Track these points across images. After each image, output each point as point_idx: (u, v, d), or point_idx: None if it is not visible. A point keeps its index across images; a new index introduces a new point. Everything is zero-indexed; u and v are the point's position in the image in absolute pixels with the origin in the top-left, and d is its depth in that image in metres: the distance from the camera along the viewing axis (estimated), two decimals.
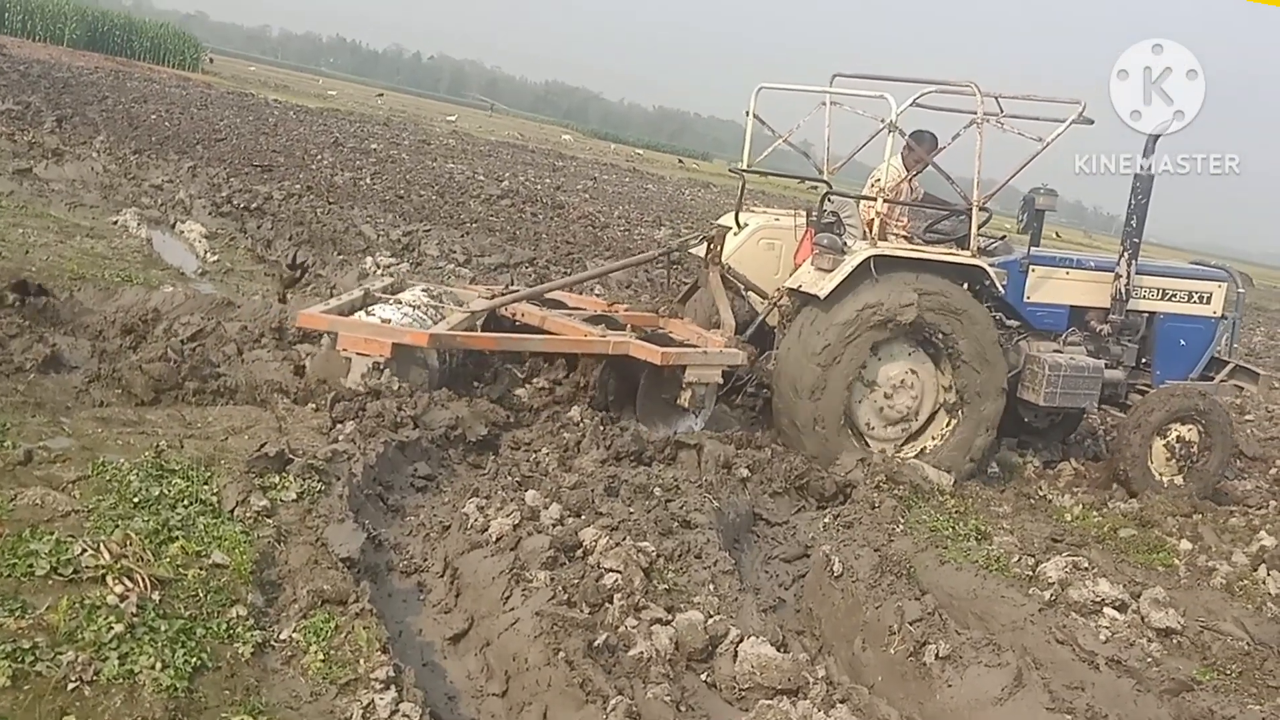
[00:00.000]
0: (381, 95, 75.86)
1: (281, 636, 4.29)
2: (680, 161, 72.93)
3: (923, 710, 5.08)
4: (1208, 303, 9.75)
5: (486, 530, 5.79)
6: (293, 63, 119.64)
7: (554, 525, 5.95)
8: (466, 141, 44.46)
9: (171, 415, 6.60)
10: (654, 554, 5.67)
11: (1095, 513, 8.26)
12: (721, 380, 8.48)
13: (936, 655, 5.21)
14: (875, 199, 8.78)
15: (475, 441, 7.39)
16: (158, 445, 5.68)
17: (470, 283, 11.44)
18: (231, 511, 5.17)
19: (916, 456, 8.68)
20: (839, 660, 5.53)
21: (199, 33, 75.53)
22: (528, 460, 7.14)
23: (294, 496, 5.53)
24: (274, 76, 73.77)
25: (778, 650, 5.01)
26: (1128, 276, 9.38)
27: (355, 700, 3.96)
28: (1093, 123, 8.82)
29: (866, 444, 8.71)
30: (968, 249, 8.78)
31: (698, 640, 5.04)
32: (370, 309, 8.31)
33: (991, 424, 8.75)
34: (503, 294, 9.29)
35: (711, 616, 5.22)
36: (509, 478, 6.73)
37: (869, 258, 8.27)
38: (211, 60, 69.95)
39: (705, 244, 9.25)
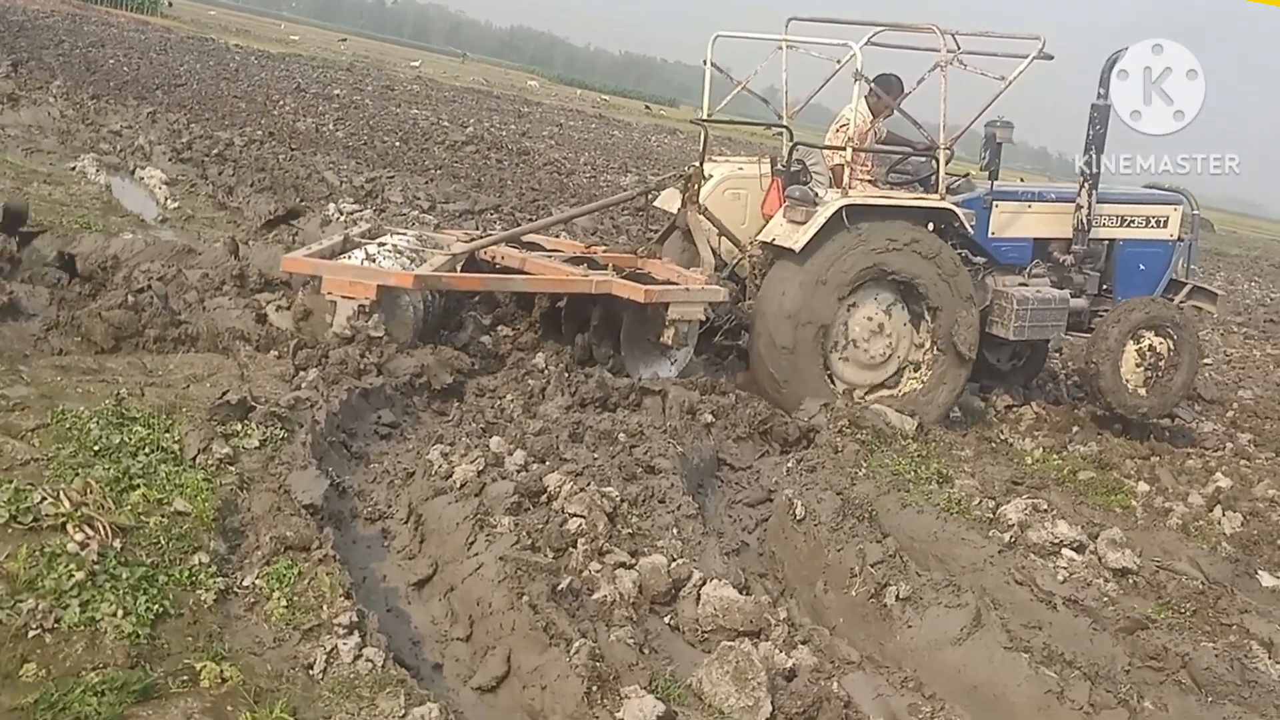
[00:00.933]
0: (345, 40, 74.84)
1: (244, 583, 4.29)
2: (647, 107, 72.48)
3: (883, 650, 5.15)
4: (1165, 226, 9.91)
5: (451, 477, 5.80)
6: (254, 7, 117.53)
7: (518, 471, 5.96)
8: (431, 87, 44.01)
9: (132, 363, 6.55)
10: (618, 499, 5.70)
11: (1055, 456, 8.35)
12: (703, 318, 8.47)
13: (897, 596, 5.28)
14: (844, 147, 8.74)
15: (440, 389, 7.38)
16: (118, 393, 5.63)
17: (440, 228, 11.34)
18: (193, 459, 5.14)
19: (891, 399, 8.72)
20: (801, 602, 5.59)
21: None
22: (492, 407, 7.14)
23: (256, 444, 5.50)
24: (235, 21, 72.62)
25: (740, 593, 5.07)
26: (1089, 206, 9.44)
27: (319, 645, 3.97)
28: (1052, 58, 8.74)
29: (837, 388, 8.69)
30: (935, 190, 8.80)
31: (661, 584, 5.09)
32: (350, 253, 8.26)
33: (966, 365, 8.83)
34: (481, 237, 9.24)
35: (675, 560, 5.27)
36: (473, 424, 6.73)
37: (841, 208, 8.26)
38: (171, 4, 68.71)
39: (683, 183, 9.18)
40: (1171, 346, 9.22)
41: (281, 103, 25.35)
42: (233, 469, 5.15)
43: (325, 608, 4.18)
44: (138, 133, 16.34)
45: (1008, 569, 5.89)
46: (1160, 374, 9.21)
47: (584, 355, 8.43)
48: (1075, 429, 9.23)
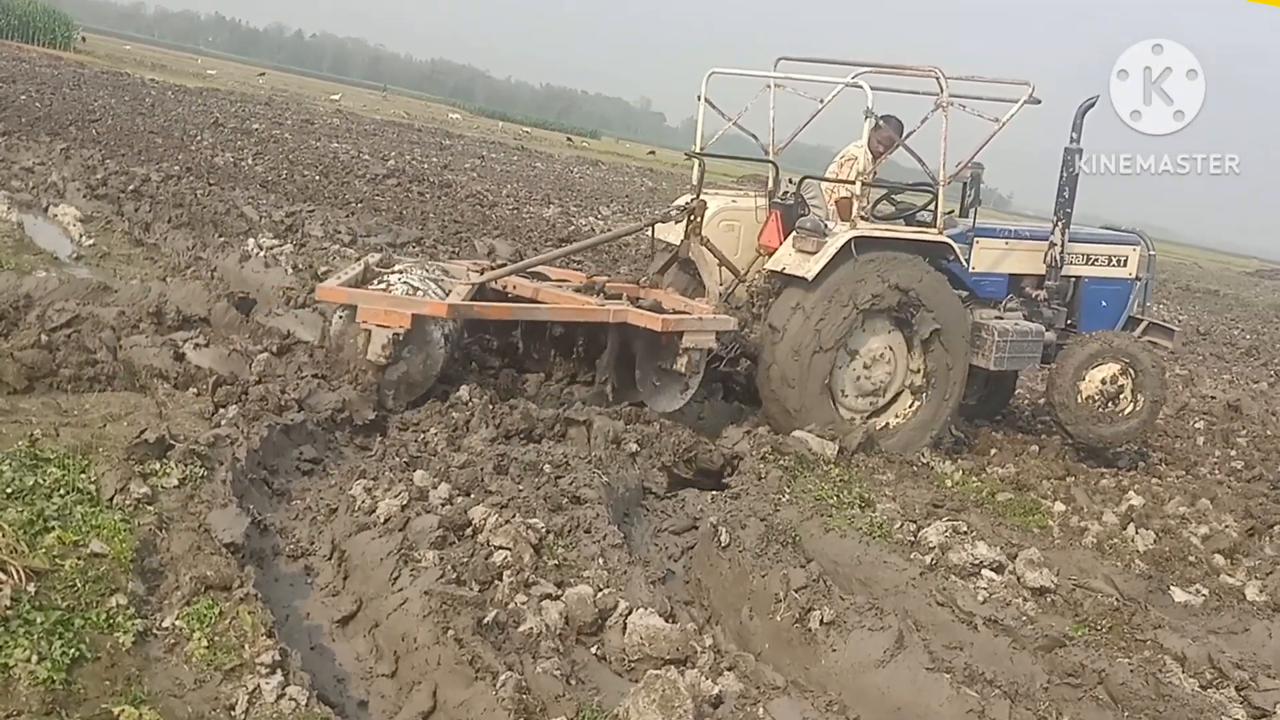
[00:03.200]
0: (263, 74, 74.32)
1: (164, 624, 4.23)
2: (569, 139, 72.79)
3: (808, 675, 5.19)
4: (1125, 265, 10.38)
5: (374, 511, 5.77)
6: (170, 41, 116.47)
7: (443, 505, 5.94)
8: (351, 120, 43.80)
9: (46, 403, 6.44)
10: (544, 530, 5.70)
11: (974, 478, 8.51)
12: (713, 346, 8.60)
13: (821, 621, 5.33)
14: (853, 181, 8.97)
15: (362, 424, 7.34)
16: (31, 434, 5.55)
17: (453, 257, 11.27)
18: (110, 499, 5.07)
19: (883, 429, 9.08)
20: (726, 629, 5.62)
21: (70, 10, 72.73)
22: (416, 440, 7.10)
23: (175, 483, 5.43)
24: (150, 55, 71.76)
25: (666, 621, 5.09)
26: (1061, 244, 9.81)
27: (241, 685, 3.93)
28: (1040, 102, 9.01)
29: (840, 414, 8.95)
30: (926, 226, 9.15)
31: (587, 614, 5.09)
32: (374, 282, 8.25)
33: (956, 396, 9.20)
34: (492, 268, 9.36)
35: (601, 590, 5.28)
36: (397, 458, 6.70)
37: (850, 239, 8.51)
38: (84, 39, 67.80)
39: (686, 215, 9.36)
40: (1131, 378, 9.58)
41: (199, 138, 25.06)
42: (151, 509, 5.08)
43: (247, 647, 4.13)
44: (50, 169, 16.07)
45: (929, 591, 5.98)
46: (1119, 405, 9.57)
47: (508, 386, 8.46)
48: (993, 450, 9.40)
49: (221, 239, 12.62)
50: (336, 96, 62.79)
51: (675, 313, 8.43)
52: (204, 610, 4.31)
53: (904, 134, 9.54)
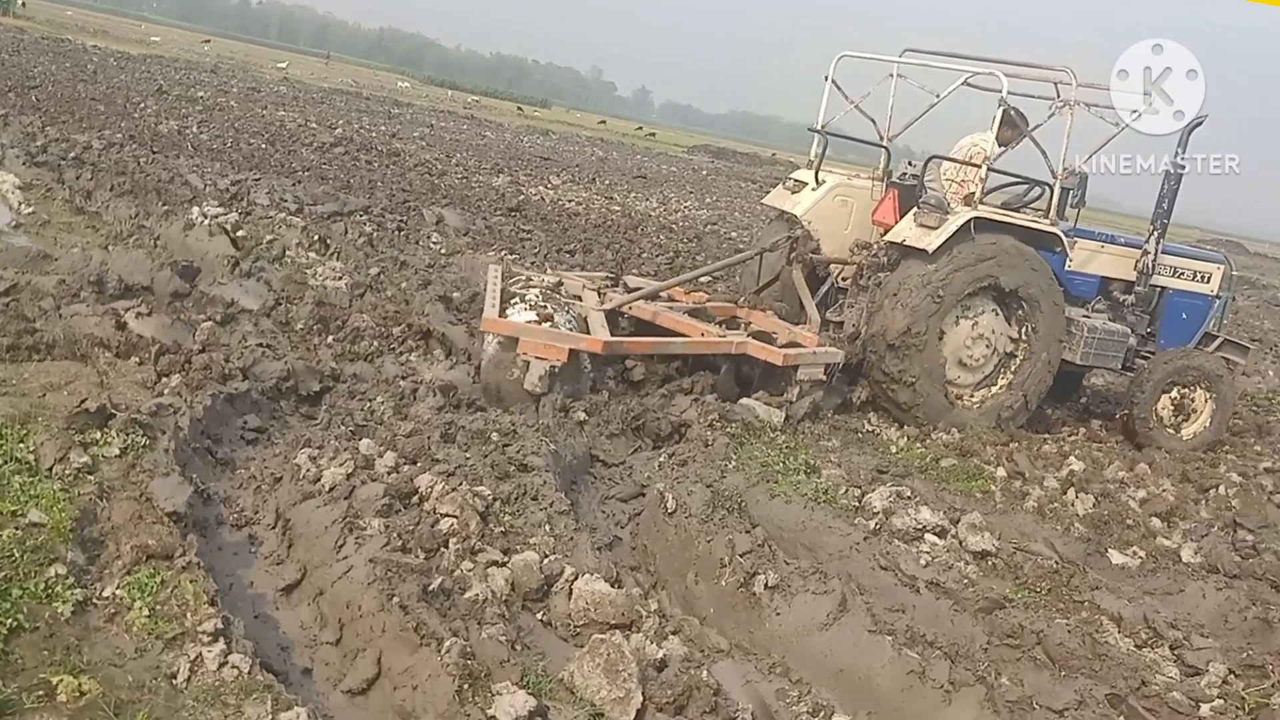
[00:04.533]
0: (208, 41, 73.22)
1: (104, 594, 4.20)
2: (519, 109, 72.31)
3: (752, 639, 5.25)
4: (1208, 282, 10.64)
5: (319, 480, 5.75)
6: (112, 7, 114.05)
7: (389, 473, 5.93)
8: (299, 89, 43.23)
9: None
10: (490, 498, 5.71)
11: (919, 444, 8.58)
12: (823, 378, 8.87)
13: (766, 585, 5.39)
14: (980, 165, 9.39)
15: (307, 394, 7.30)
16: None
17: (557, 269, 11.45)
18: (50, 469, 5.02)
19: (982, 403, 9.52)
20: (672, 594, 5.67)
21: None
22: (362, 409, 7.08)
23: (117, 452, 5.39)
24: (92, 21, 70.37)
25: (612, 586, 5.12)
26: (1155, 254, 10.13)
27: (182, 654, 3.92)
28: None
29: (946, 390, 9.32)
30: (1039, 217, 9.58)
31: (533, 580, 5.12)
32: (514, 302, 8.59)
33: (1048, 377, 9.63)
34: (607, 284, 10.09)
35: (547, 556, 5.30)
36: (342, 427, 6.67)
37: (970, 219, 8.96)
38: (24, 4, 66.31)
39: (789, 244, 9.90)
40: (1206, 396, 10.00)
41: (142, 105, 24.62)
42: (91, 478, 5.04)
43: (189, 616, 4.12)
44: None
45: (873, 555, 6.06)
46: (1192, 420, 10.04)
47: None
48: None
49: (165, 207, 12.43)
50: (283, 65, 61.95)
51: (790, 345, 8.82)
52: (145, 579, 4.29)
53: (1030, 129, 9.75)
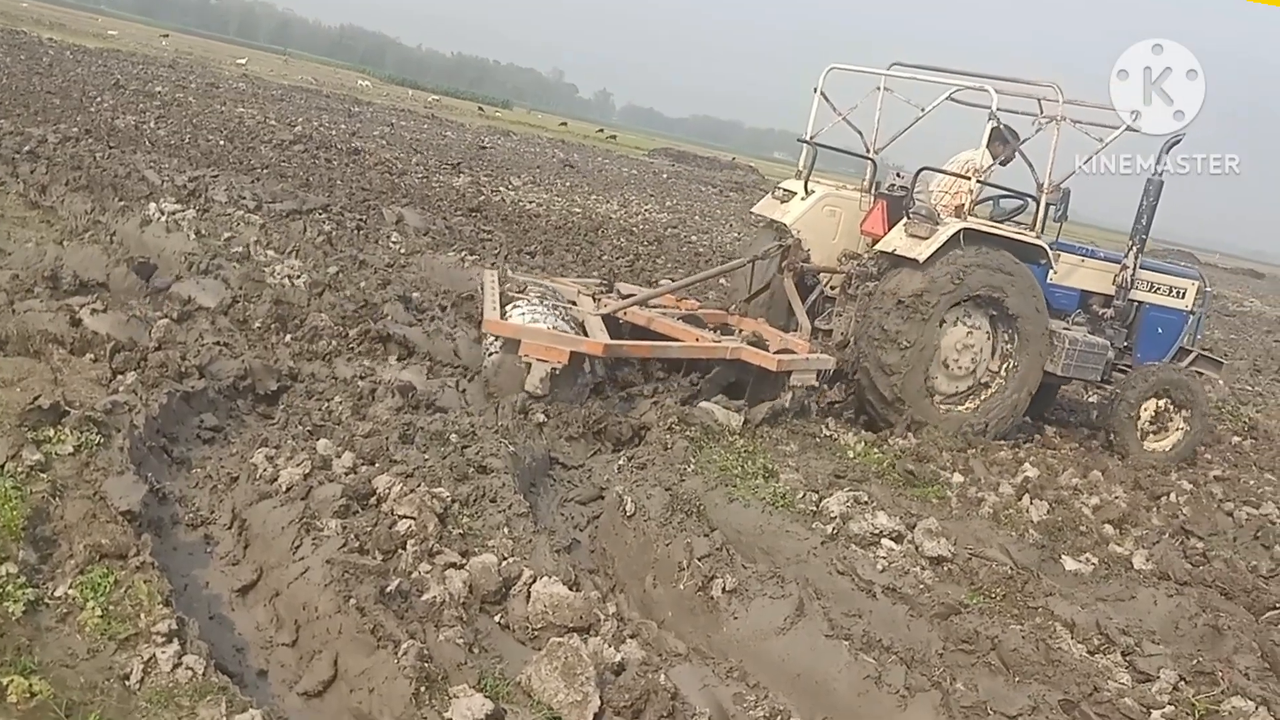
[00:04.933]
0: (166, 36, 72.31)
1: (56, 593, 4.15)
2: (480, 109, 72.07)
3: (710, 642, 5.27)
4: (1183, 297, 10.84)
5: (276, 480, 5.72)
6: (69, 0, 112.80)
7: (346, 474, 5.91)
8: (258, 85, 42.83)
9: None
10: (449, 499, 5.70)
11: (876, 449, 8.62)
12: (815, 384, 9.09)
13: (723, 589, 5.41)
14: (969, 177, 9.71)
15: (264, 393, 7.25)
16: None
17: (558, 276, 11.60)
18: (2, 466, 4.94)
19: (960, 411, 9.62)
20: (630, 597, 5.67)
21: None
22: (320, 409, 7.03)
23: (71, 450, 5.31)
24: (49, 14, 69.14)
25: (570, 589, 5.12)
26: (1134, 268, 10.31)
27: (136, 655, 3.88)
28: (1138, 131, 9.66)
29: (930, 396, 9.49)
30: (1027, 230, 9.80)
31: (491, 583, 5.11)
32: (511, 307, 8.80)
33: (1031, 388, 9.79)
34: (601, 290, 10.39)
35: (505, 559, 5.30)
36: (300, 427, 6.64)
37: (960, 230, 9.13)
38: None
39: (780, 253, 10.05)
40: (1182, 409, 10.18)
41: (99, 99, 24.33)
42: (44, 476, 4.97)
43: (143, 616, 4.08)
44: None
45: (830, 560, 6.09)
46: (1169, 431, 10.21)
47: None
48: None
49: (121, 203, 12.30)
50: (243, 61, 61.37)
51: (783, 350, 8.98)
52: (99, 579, 4.24)
53: (1019, 143, 9.91)
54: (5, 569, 4.12)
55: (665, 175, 43.60)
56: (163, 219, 11.37)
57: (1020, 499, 7.82)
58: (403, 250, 13.53)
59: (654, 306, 9.92)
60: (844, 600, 5.71)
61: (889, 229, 9.54)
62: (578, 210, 23.53)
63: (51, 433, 5.40)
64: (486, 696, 4.05)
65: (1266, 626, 6.35)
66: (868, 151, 10.62)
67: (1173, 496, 8.78)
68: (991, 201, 10.39)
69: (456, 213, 18.66)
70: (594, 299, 9.88)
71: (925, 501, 7.58)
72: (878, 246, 9.52)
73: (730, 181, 46.54)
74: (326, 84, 56.26)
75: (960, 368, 9.60)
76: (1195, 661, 5.52)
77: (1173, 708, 5.14)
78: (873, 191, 10.28)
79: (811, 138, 10.48)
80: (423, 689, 4.04)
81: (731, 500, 6.71)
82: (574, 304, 9.48)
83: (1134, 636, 5.73)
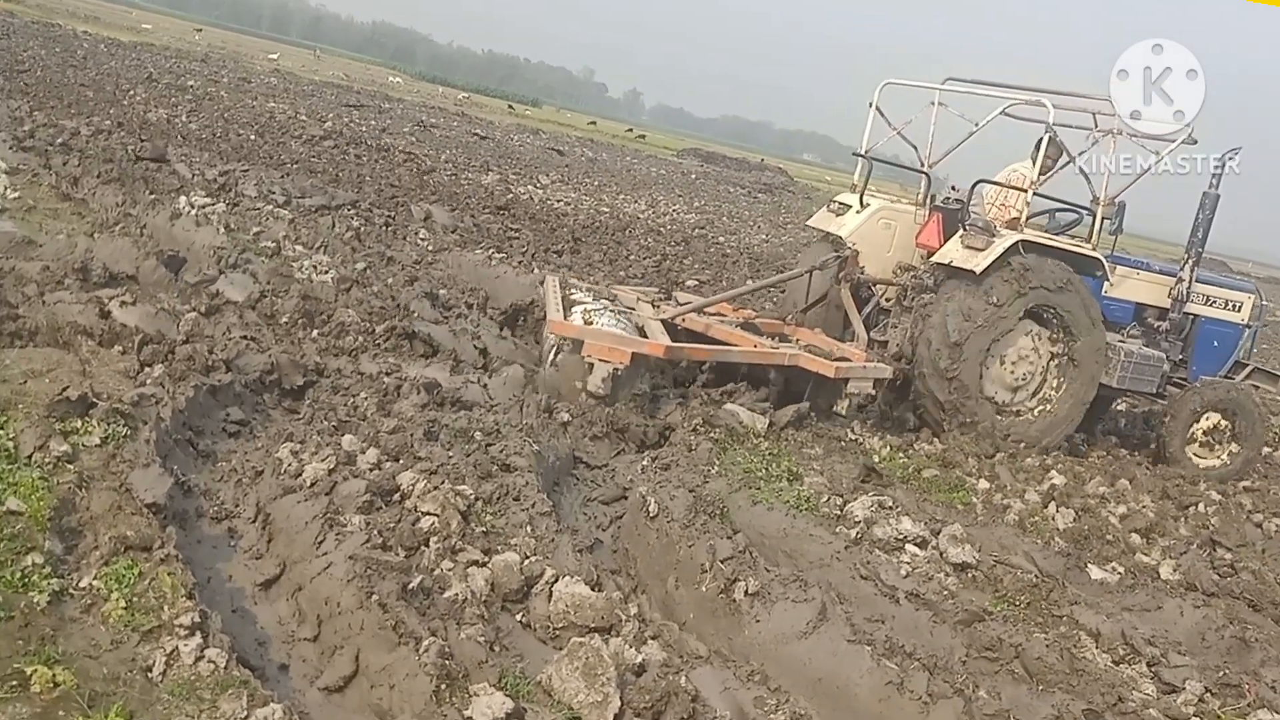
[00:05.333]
0: (200, 30, 72.80)
1: (81, 584, 4.17)
2: (510, 107, 72.22)
3: (731, 645, 5.24)
4: (1239, 311, 10.77)
5: (301, 475, 5.73)
6: None
7: (371, 470, 5.91)
8: (289, 81, 43.09)
9: None
10: (472, 497, 5.70)
11: (902, 454, 8.59)
12: (873, 392, 9.19)
13: (746, 592, 5.37)
14: (1025, 189, 9.64)
15: (290, 388, 7.27)
16: None
17: (609, 284, 11.70)
18: (29, 457, 4.98)
19: (1015, 421, 9.58)
20: (652, 598, 5.65)
21: None
22: (345, 405, 7.05)
23: (97, 441, 5.35)
24: (83, 7, 69.69)
25: (592, 589, 5.11)
26: (1189, 281, 10.30)
27: (159, 647, 3.89)
28: (1195, 142, 9.70)
29: (987, 406, 9.45)
30: (1083, 241, 9.79)
31: (513, 581, 5.10)
32: (573, 310, 8.98)
33: (1086, 399, 9.79)
34: (660, 298, 10.44)
35: (528, 558, 5.29)
36: (325, 422, 6.64)
37: (1017, 242, 9.16)
38: None
39: (838, 265, 10.11)
40: (1237, 424, 10.10)
41: (132, 92, 24.53)
42: (71, 467, 5.01)
43: (166, 608, 4.09)
44: None
45: (853, 564, 6.06)
46: (1224, 446, 10.13)
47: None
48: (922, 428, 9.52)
49: (152, 196, 12.38)
50: (275, 56, 61.71)
51: (839, 358, 9.08)
52: (123, 571, 4.26)
53: (1076, 156, 9.99)
54: (31, 559, 4.14)
55: (694, 175, 43.59)
56: (193, 213, 11.44)
57: (1046, 506, 7.76)
58: (430, 247, 13.57)
59: (711, 314, 10.05)
60: (867, 605, 5.68)
61: (944, 241, 9.65)
62: (606, 209, 23.54)
63: (79, 424, 5.44)
64: (507, 695, 4.05)
65: None
66: (922, 165, 10.69)
67: (1201, 507, 8.70)
68: (1048, 215, 10.41)
69: (484, 210, 18.69)
70: (653, 305, 10.01)
71: (950, 507, 7.53)
72: (934, 258, 9.60)
73: (759, 183, 46.51)
74: (357, 80, 56.49)
75: (1016, 378, 9.60)
76: (1222, 674, 5.47)
77: (1198, 719, 5.10)
78: (927, 205, 10.38)
79: (866, 151, 10.57)
80: (443, 686, 4.04)
81: (755, 503, 6.69)
82: (632, 309, 9.61)
83: (1160, 647, 5.68)
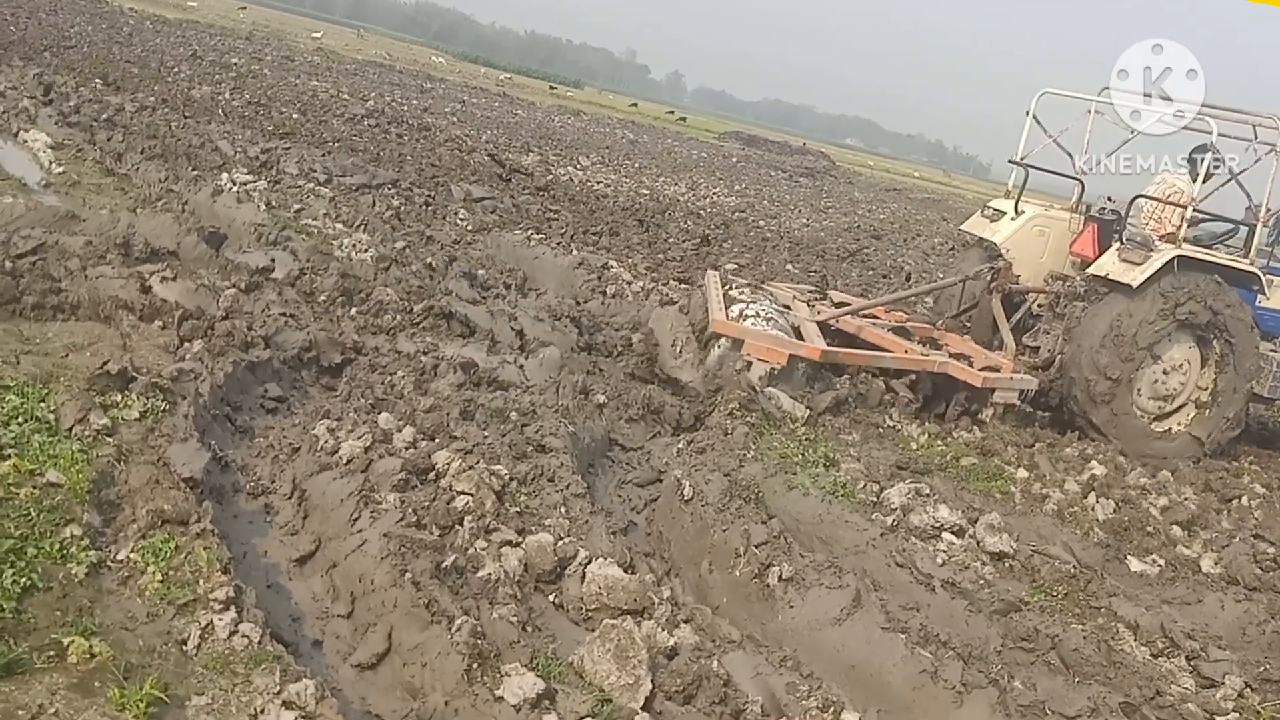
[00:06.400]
0: (244, 8, 73.06)
1: (118, 557, 4.20)
2: (551, 88, 72.19)
3: (764, 630, 5.22)
4: None
5: (337, 452, 5.74)
6: None
7: (406, 448, 5.92)
8: (332, 59, 43.25)
9: (8, 330, 6.34)
10: (507, 477, 5.70)
11: (940, 442, 8.51)
12: (1017, 402, 9.30)
13: (780, 577, 5.35)
14: (1185, 206, 9.80)
15: (328, 365, 7.29)
16: None
17: (765, 281, 11.82)
18: (69, 429, 5.02)
19: (1164, 432, 9.82)
20: (686, 582, 5.64)
21: None
22: (382, 383, 7.06)
23: (137, 415, 5.38)
24: None
25: (625, 572, 5.10)
26: None
27: (194, 621, 3.91)
28: None
29: (1138, 415, 9.68)
30: (1238, 254, 10.04)
31: (546, 562, 5.10)
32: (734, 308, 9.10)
33: (1239, 409, 9.95)
34: (815, 296, 10.66)
35: (561, 539, 5.28)
36: (362, 400, 6.66)
37: (1174, 257, 9.30)
38: None
39: (991, 274, 10.34)
40: None
41: (176, 69, 24.69)
42: (110, 440, 5.04)
43: (202, 583, 4.11)
44: (22, 94, 15.78)
45: (889, 551, 6.01)
46: None
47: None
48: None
49: (194, 172, 12.45)
50: (318, 35, 61.90)
51: (988, 368, 9.24)
52: (159, 544, 4.28)
53: (1239, 171, 10.08)
54: (70, 531, 4.17)
55: (735, 159, 43.44)
56: (234, 189, 11.50)
57: (1086, 497, 7.67)
58: (469, 227, 13.57)
59: (864, 316, 10.26)
60: (902, 593, 5.64)
61: (1099, 251, 9.84)
62: (645, 192, 23.49)
63: (119, 398, 5.48)
64: (538, 676, 4.04)
65: None
66: (1075, 172, 10.83)
67: (1244, 500, 8.59)
68: (1198, 226, 10.51)
69: (524, 191, 18.69)
70: (808, 304, 10.17)
71: (988, 496, 7.46)
72: (1090, 270, 9.71)
73: (801, 167, 46.30)
74: (400, 59, 56.67)
75: (1168, 388, 9.75)
76: (1263, 669, 5.40)
77: (1237, 715, 5.04)
78: (1082, 213, 10.55)
79: (1022, 159, 10.69)
80: (475, 666, 4.03)
81: (791, 488, 6.65)
82: (788, 308, 9.78)
83: (1199, 641, 5.61)
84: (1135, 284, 9.21)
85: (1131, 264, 9.31)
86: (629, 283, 12.15)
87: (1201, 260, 9.55)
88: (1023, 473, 8.01)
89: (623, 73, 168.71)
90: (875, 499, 6.77)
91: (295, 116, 21.48)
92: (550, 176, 21.67)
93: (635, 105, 73.63)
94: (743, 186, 31.10)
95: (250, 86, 24.82)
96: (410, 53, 70.80)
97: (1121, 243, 9.57)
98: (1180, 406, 9.87)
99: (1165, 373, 9.69)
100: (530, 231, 14.19)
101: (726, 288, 9.82)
